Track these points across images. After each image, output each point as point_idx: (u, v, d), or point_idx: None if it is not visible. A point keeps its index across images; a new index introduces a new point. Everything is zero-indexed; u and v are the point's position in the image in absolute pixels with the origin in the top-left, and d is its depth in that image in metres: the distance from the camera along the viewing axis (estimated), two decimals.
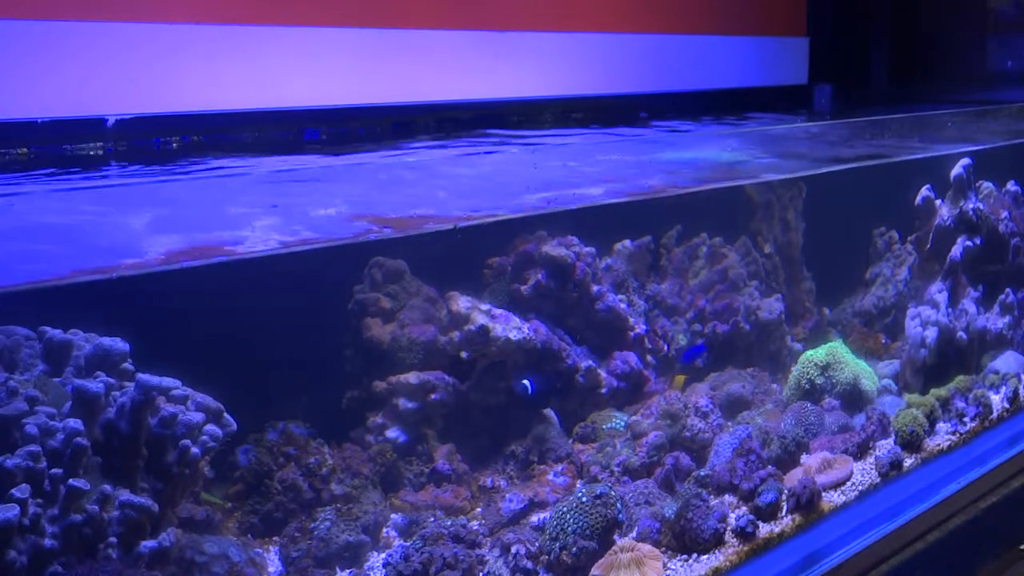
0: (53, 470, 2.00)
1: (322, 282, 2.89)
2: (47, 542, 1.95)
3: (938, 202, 3.69)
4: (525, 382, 2.96)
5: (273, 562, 2.56)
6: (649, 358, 3.45)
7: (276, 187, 2.36)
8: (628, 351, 3.36)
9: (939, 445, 3.14)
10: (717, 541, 2.49)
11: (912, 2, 5.47)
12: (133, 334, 2.31)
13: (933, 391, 3.33)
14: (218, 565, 2.27)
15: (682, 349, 3.62)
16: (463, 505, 2.85)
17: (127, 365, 2.29)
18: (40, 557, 1.94)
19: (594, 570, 2.37)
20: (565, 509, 2.47)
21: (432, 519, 2.70)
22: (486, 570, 2.41)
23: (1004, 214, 3.80)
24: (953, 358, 3.55)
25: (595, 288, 3.30)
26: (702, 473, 2.82)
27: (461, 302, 3.05)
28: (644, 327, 3.45)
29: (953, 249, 3.62)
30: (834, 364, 3.44)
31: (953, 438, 3.20)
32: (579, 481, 2.94)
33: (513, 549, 2.41)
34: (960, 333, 3.55)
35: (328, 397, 3.03)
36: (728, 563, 2.46)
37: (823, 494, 2.73)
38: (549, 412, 3.13)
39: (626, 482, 2.88)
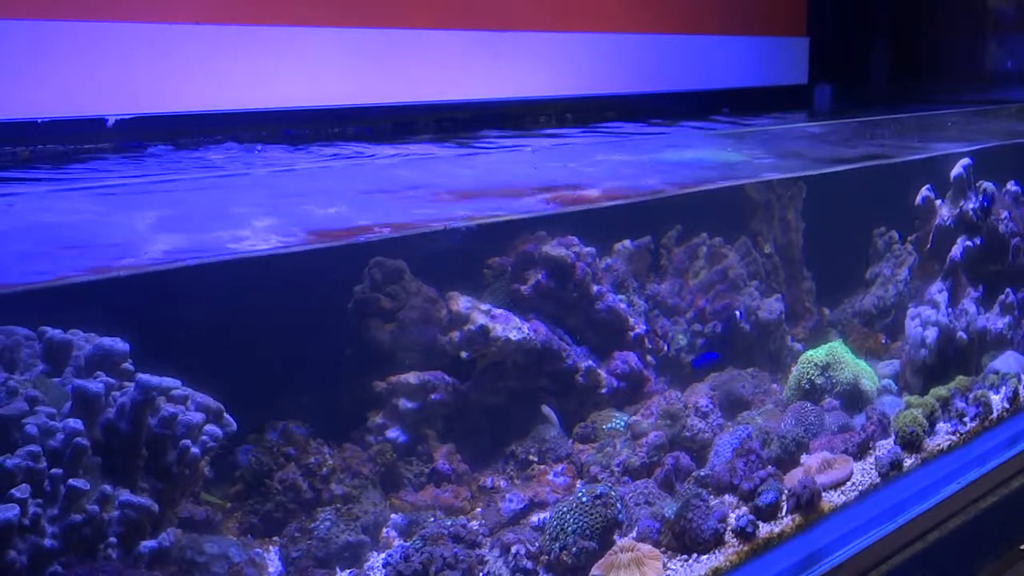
0: (53, 470, 2.00)
1: (322, 282, 2.89)
2: (47, 542, 1.95)
3: (938, 202, 3.69)
4: None
5: (273, 562, 2.56)
6: (649, 358, 3.45)
7: (276, 187, 2.36)
8: (628, 351, 3.36)
9: (939, 445, 3.14)
10: (717, 541, 2.49)
11: (912, 2, 5.46)
12: (133, 334, 2.31)
13: (933, 391, 3.33)
14: (218, 565, 2.27)
15: (692, 352, 3.62)
16: (463, 505, 2.85)
17: (127, 365, 2.29)
18: (40, 557, 1.94)
19: (594, 570, 2.37)
20: (565, 509, 2.47)
21: (432, 519, 2.70)
22: (486, 570, 2.41)
23: (1004, 214, 3.80)
24: (953, 358, 3.55)
25: (595, 288, 3.30)
26: (702, 473, 2.82)
27: (461, 302, 3.05)
28: (644, 327, 3.45)
29: (953, 249, 3.62)
30: (834, 364, 3.44)
31: (953, 438, 3.19)
32: (579, 481, 2.94)
33: (513, 549, 2.41)
34: (960, 333, 3.55)
35: (328, 397, 3.03)
36: (728, 563, 2.46)
37: (823, 494, 2.73)
38: (549, 412, 3.13)
39: (626, 482, 2.88)
